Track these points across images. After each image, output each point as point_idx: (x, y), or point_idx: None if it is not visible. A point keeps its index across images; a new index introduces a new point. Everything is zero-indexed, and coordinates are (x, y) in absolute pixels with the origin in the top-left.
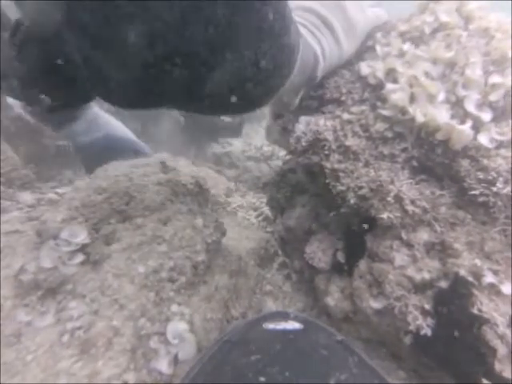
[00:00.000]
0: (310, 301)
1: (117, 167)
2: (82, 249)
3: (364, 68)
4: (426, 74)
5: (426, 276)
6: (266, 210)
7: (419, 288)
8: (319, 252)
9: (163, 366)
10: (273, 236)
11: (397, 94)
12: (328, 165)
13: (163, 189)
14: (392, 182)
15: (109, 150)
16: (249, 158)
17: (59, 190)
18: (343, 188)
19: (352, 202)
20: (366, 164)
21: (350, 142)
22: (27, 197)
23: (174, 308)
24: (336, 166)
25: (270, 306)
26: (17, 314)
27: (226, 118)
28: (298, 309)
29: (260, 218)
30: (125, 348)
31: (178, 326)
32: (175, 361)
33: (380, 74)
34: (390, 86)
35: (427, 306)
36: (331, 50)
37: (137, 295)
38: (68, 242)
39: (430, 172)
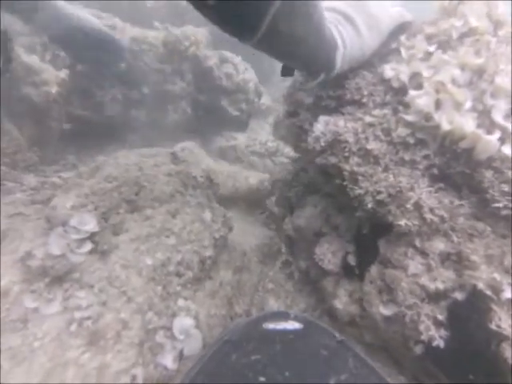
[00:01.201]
0: (313, 301)
1: (127, 156)
2: (91, 237)
3: (387, 71)
4: (453, 81)
5: (440, 286)
6: (271, 206)
7: (432, 298)
8: (329, 254)
9: (168, 361)
10: (277, 234)
11: (422, 100)
12: (347, 167)
13: (173, 180)
14: (412, 189)
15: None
16: (253, 152)
17: (63, 175)
18: (361, 191)
19: (369, 206)
20: (386, 169)
21: (372, 145)
22: (31, 179)
23: (181, 303)
24: (355, 168)
25: (272, 304)
26: (24, 300)
27: (235, 112)
28: (300, 309)
29: (264, 215)
30: (133, 342)
31: (184, 322)
32: (180, 356)
33: (404, 78)
34: (413, 91)
35: (440, 317)
36: (352, 40)
37: (144, 288)
38: (77, 230)
39: (449, 180)
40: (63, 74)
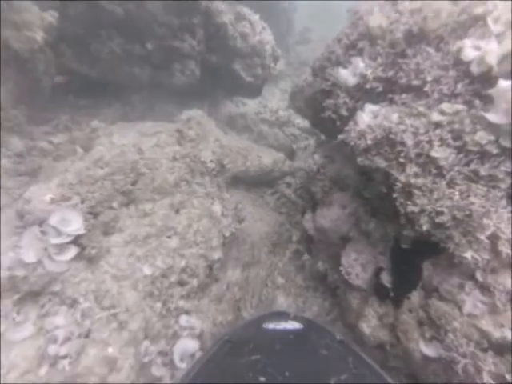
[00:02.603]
0: (327, 305)
1: (124, 132)
2: (76, 240)
3: (468, 49)
4: None
5: (509, 335)
6: (283, 188)
7: (496, 348)
8: (358, 266)
9: None
10: (287, 219)
11: None
12: (402, 177)
13: (178, 165)
14: (488, 215)
15: None
16: (263, 120)
17: (53, 139)
18: (415, 209)
19: (424, 228)
20: (451, 183)
21: (438, 152)
22: (17, 143)
23: (183, 321)
24: (412, 180)
25: (281, 302)
26: None
27: (248, 78)
28: (313, 313)
29: (275, 197)
30: None
31: (187, 345)
32: None
33: (491, 60)
34: (505, 82)
35: (509, 378)
36: None
37: (140, 307)
38: (58, 232)
39: None
40: (50, 16)
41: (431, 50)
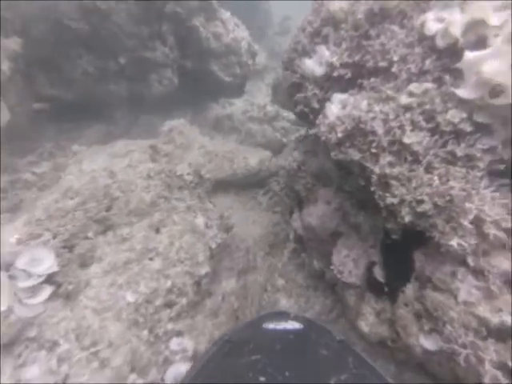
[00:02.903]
0: (329, 302)
1: (94, 157)
2: (50, 279)
3: (430, 23)
4: None
5: (508, 319)
6: (274, 186)
7: (496, 335)
8: (350, 263)
9: None
10: (282, 218)
11: (488, 64)
12: (376, 169)
13: (154, 183)
14: (469, 198)
15: None
16: (251, 118)
17: (37, 169)
18: (395, 200)
19: (406, 219)
20: (429, 168)
21: (410, 137)
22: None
23: (174, 344)
24: (388, 170)
25: (284, 304)
26: None
27: (227, 77)
28: (316, 311)
29: (268, 197)
30: None
31: (180, 370)
32: None
33: (456, 31)
34: (471, 52)
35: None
36: None
37: (125, 338)
38: (27, 274)
39: None
40: (13, 43)
41: (395, 28)
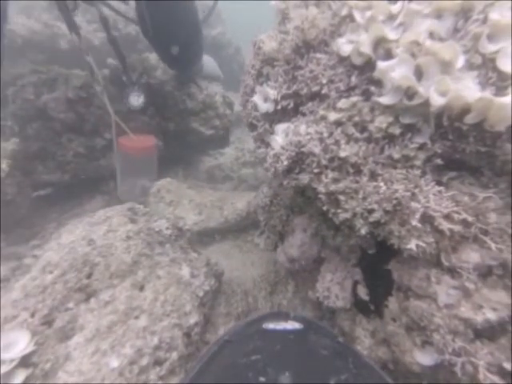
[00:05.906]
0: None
1: (72, 230)
2: (25, 361)
3: (343, 46)
4: (431, 35)
5: (492, 316)
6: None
7: (484, 335)
8: (335, 286)
9: None
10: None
11: (396, 71)
12: (321, 188)
13: (134, 243)
14: (414, 197)
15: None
16: (244, 164)
17: (37, 252)
18: (348, 215)
19: (363, 231)
20: (373, 177)
21: (346, 151)
22: (3, 266)
23: None
24: (332, 187)
25: None
26: None
27: (209, 131)
28: None
29: (264, 236)
30: None
31: None
32: None
33: (366, 49)
34: (382, 62)
35: (508, 366)
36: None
37: None
38: None
39: (462, 167)
40: (11, 144)
41: (319, 55)
